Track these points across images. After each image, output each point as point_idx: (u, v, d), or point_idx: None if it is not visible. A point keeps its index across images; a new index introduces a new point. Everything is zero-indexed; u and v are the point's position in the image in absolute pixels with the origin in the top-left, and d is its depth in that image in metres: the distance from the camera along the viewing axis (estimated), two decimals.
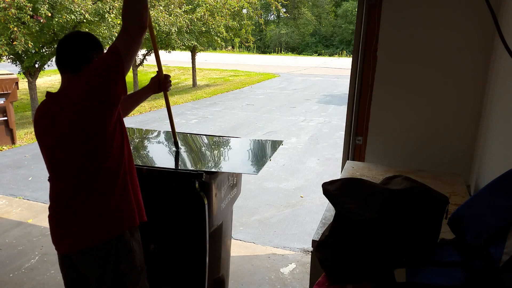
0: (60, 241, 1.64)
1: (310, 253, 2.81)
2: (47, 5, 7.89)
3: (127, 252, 1.63)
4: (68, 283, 1.75)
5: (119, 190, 1.59)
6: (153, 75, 2.14)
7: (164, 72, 2.11)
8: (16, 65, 8.90)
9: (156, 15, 11.29)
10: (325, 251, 1.31)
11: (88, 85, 1.50)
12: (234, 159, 2.50)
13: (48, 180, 1.67)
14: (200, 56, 19.10)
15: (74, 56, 1.58)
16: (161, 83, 2.09)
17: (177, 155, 2.40)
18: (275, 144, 2.64)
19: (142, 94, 2.09)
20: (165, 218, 2.04)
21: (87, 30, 9.11)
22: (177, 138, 2.41)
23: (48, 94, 1.60)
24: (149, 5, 1.61)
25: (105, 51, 1.64)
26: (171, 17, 11.77)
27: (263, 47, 43.48)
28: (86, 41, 1.64)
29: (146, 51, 13.23)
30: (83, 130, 1.50)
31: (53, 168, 1.61)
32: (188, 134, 2.80)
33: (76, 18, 8.27)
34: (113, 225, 1.59)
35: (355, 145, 2.98)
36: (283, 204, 4.61)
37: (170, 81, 2.13)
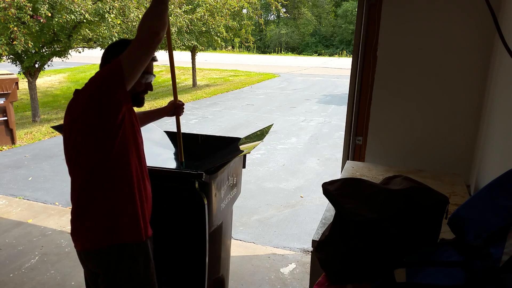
0: (72, 237, 1.67)
1: (310, 253, 2.81)
2: (47, 5, 7.89)
3: (129, 263, 1.61)
4: (85, 276, 1.79)
5: (124, 201, 1.58)
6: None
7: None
8: (16, 65, 8.90)
9: None
10: (325, 251, 1.31)
11: (89, 94, 1.52)
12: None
13: None
14: (200, 56, 19.08)
15: (103, 59, 1.66)
16: (175, 109, 2.23)
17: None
18: (266, 129, 2.64)
19: (157, 114, 2.23)
20: (165, 218, 2.04)
21: (87, 30, 9.11)
22: (183, 158, 2.42)
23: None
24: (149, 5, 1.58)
25: None
26: (171, 17, 11.76)
27: (263, 47, 43.47)
28: (119, 47, 1.64)
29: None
30: (84, 131, 1.52)
31: (68, 165, 1.63)
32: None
33: (76, 18, 8.27)
34: (115, 233, 1.58)
35: (355, 145, 2.98)
36: (283, 204, 4.61)
37: (183, 108, 2.27)
